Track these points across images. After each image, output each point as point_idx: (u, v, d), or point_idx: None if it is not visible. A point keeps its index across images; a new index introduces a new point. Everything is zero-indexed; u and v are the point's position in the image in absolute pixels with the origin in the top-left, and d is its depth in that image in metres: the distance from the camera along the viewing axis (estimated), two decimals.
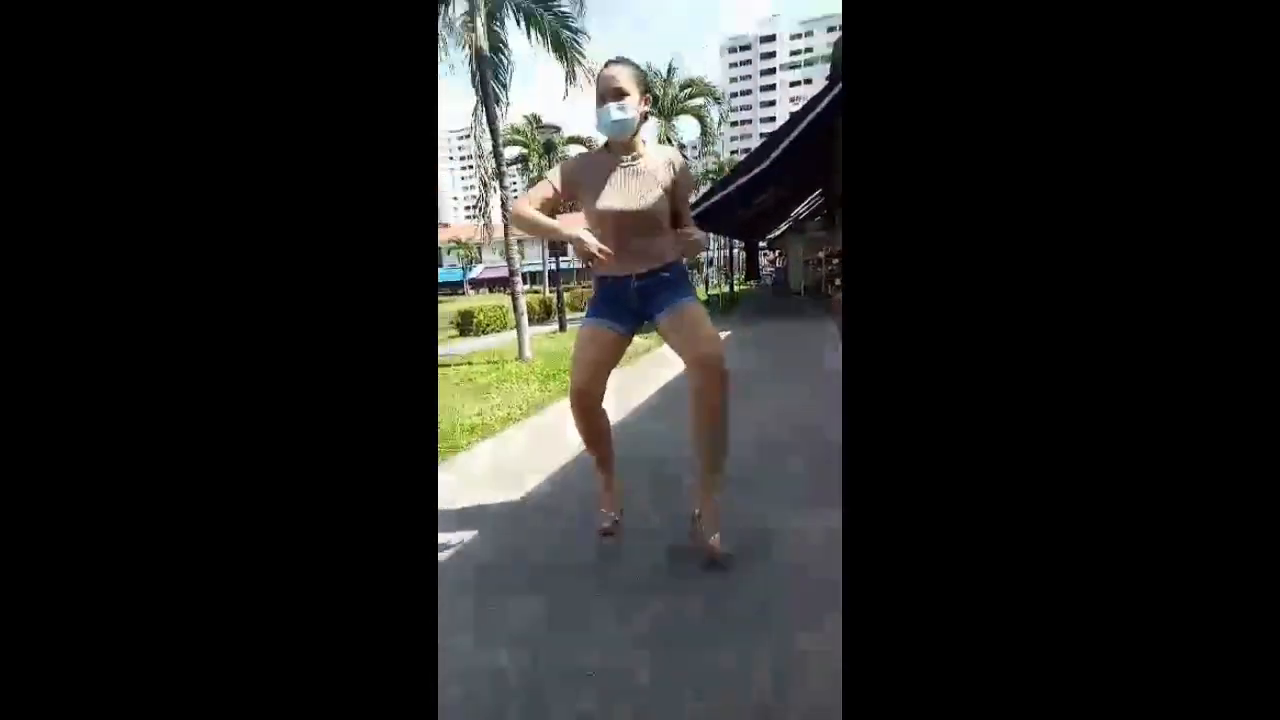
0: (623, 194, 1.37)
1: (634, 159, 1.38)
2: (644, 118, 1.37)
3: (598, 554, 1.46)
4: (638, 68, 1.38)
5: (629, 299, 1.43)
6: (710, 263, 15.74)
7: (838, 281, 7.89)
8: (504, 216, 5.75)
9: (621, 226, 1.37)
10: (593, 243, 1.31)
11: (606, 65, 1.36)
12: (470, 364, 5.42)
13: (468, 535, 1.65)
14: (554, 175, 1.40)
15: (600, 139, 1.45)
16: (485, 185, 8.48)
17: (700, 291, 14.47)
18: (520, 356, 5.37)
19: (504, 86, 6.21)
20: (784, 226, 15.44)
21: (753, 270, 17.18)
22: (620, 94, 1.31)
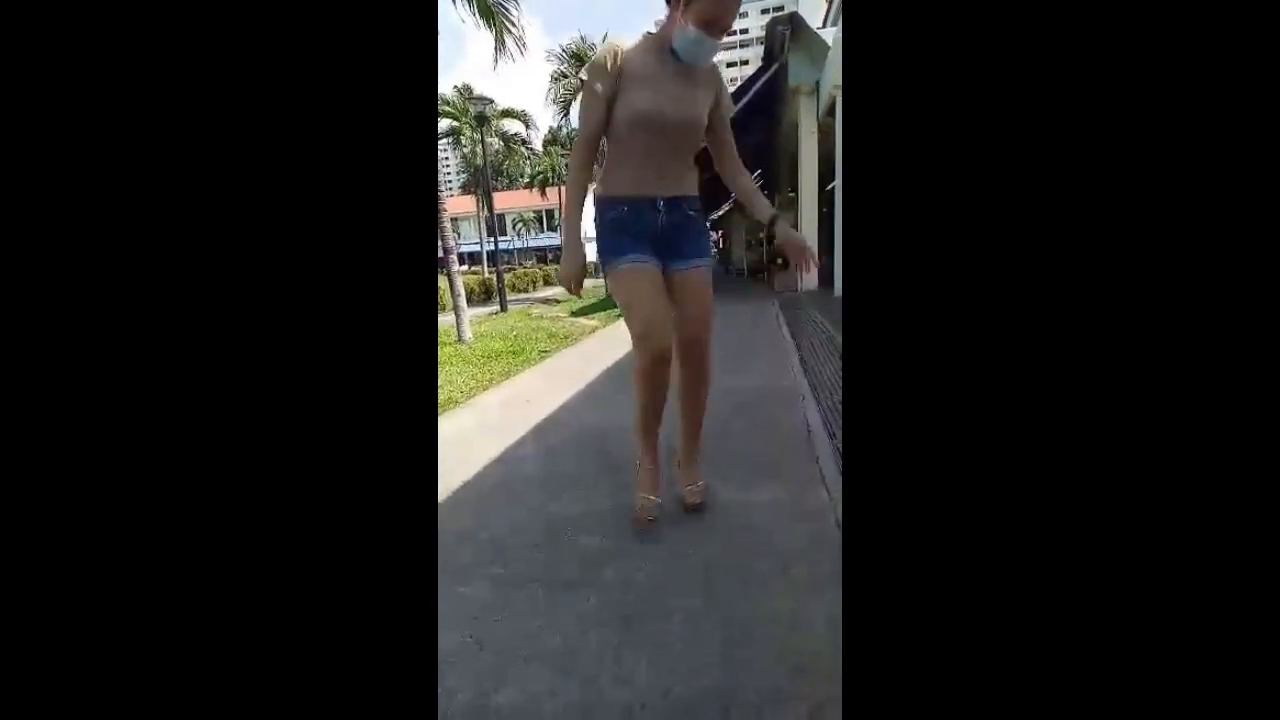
0: (673, 100, 1.17)
1: (683, 66, 1.17)
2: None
3: (556, 533, 1.38)
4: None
5: (654, 227, 1.24)
6: None
7: (779, 260, 8.03)
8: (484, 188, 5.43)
9: (664, 137, 1.18)
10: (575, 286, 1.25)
11: None
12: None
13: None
14: (598, 78, 1.15)
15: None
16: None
17: None
18: (459, 339, 5.16)
19: None
20: (725, 207, 15.58)
21: None
22: (727, 31, 1.14)
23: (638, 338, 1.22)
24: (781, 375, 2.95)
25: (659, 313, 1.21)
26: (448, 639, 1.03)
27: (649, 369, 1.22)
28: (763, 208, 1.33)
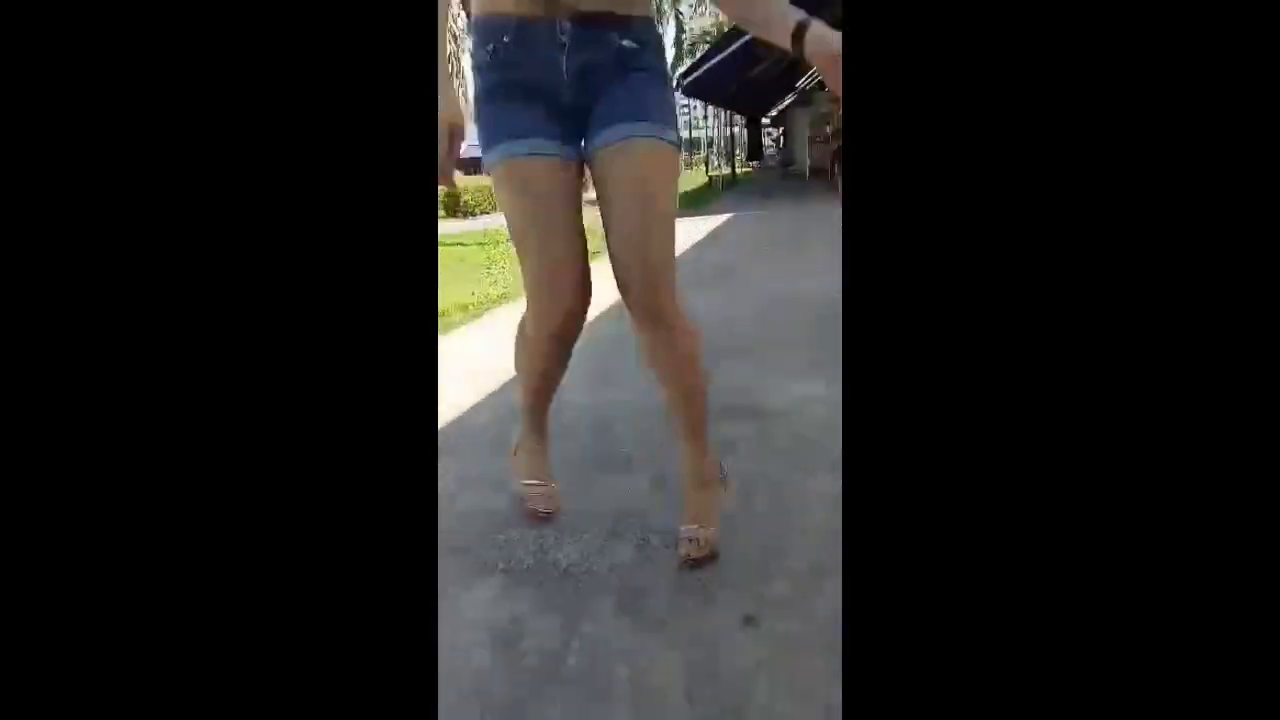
0: None
1: None
2: None
3: (605, 422, 1.51)
4: None
5: (552, 72, 0.77)
6: (710, 143, 14.75)
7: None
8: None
9: None
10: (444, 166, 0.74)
11: None
12: (462, 244, 5.28)
13: (467, 402, 1.71)
14: None
15: None
16: (457, 40, 7.32)
17: (699, 174, 13.68)
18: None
19: None
20: (789, 99, 14.29)
21: (755, 149, 16.08)
22: None
23: (529, 290, 0.84)
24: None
25: (561, 248, 0.81)
26: (487, 505, 1.18)
27: (541, 340, 0.87)
28: (780, 19, 0.75)
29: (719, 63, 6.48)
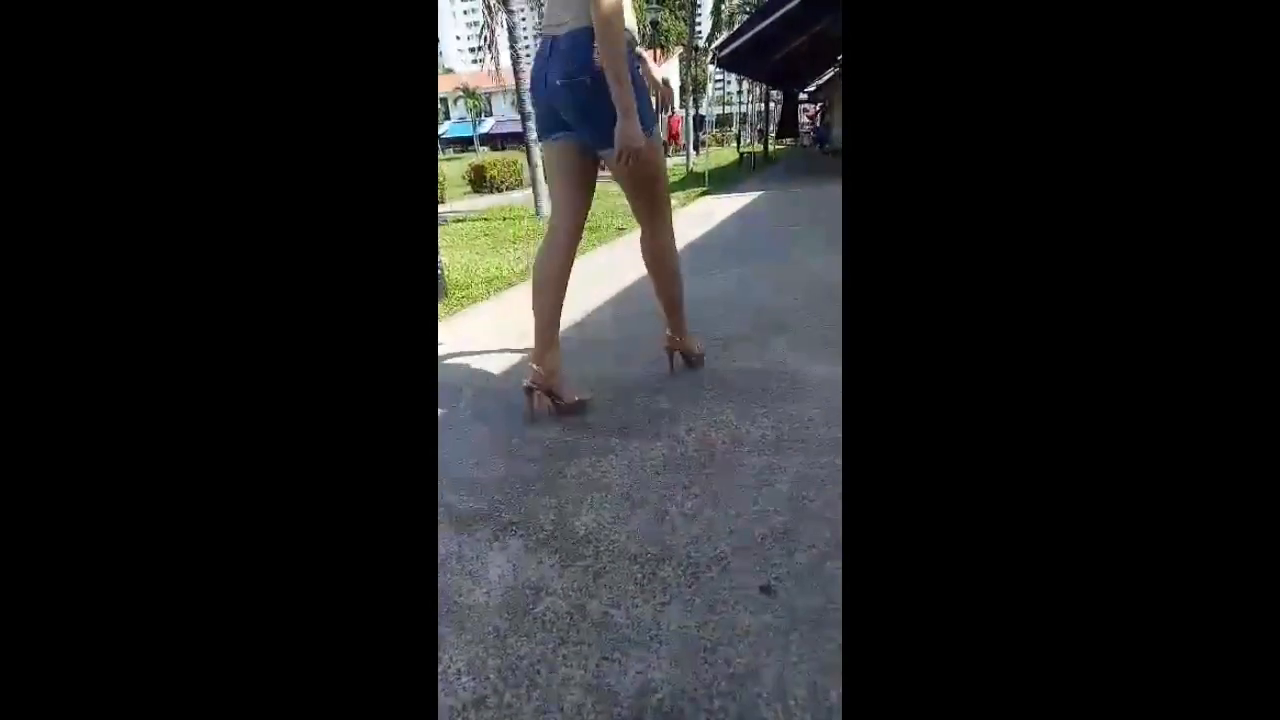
0: None
1: None
2: None
3: (615, 391, 1.52)
4: None
5: (542, 80, 1.19)
6: (744, 118, 14.33)
7: None
8: (512, 55, 5.20)
9: None
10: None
11: None
12: (486, 219, 5.30)
13: (497, 369, 1.74)
14: None
15: None
16: (490, 12, 7.33)
17: (730, 151, 13.32)
18: (538, 213, 5.21)
19: None
20: (829, 74, 13.79)
21: (790, 126, 15.62)
22: None
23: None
24: None
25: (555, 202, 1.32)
26: (492, 476, 1.20)
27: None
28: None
29: (756, 35, 6.27)
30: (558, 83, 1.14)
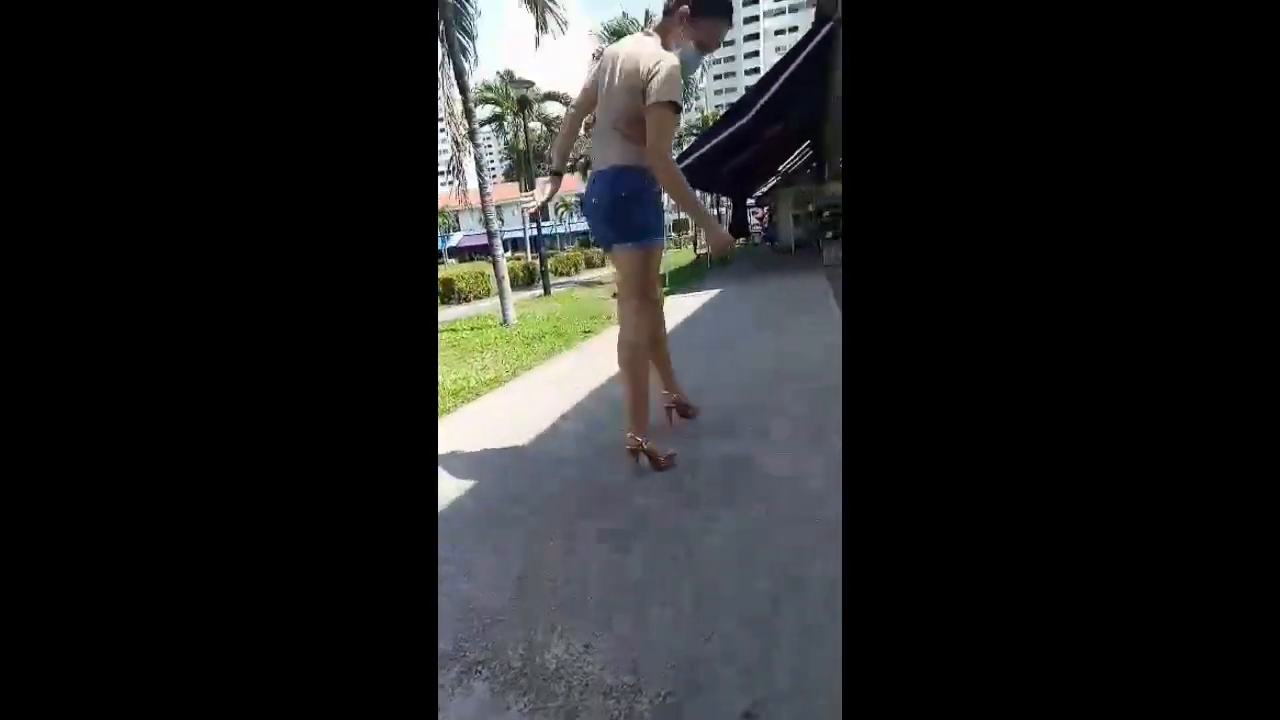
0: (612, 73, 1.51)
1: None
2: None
3: (590, 497, 1.41)
4: None
5: (589, 202, 1.62)
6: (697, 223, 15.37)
7: (829, 234, 7.73)
8: (479, 180, 5.52)
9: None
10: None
11: (730, 20, 1.54)
12: (454, 330, 5.31)
13: (466, 484, 1.62)
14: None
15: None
16: (458, 146, 8.07)
17: (687, 252, 14.14)
18: (504, 321, 5.27)
19: (471, 38, 5.83)
20: (772, 181, 15.12)
21: (741, 228, 16.80)
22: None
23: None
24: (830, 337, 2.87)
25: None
26: (484, 600, 1.07)
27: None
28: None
29: (708, 151, 6.87)
30: (592, 201, 1.64)
